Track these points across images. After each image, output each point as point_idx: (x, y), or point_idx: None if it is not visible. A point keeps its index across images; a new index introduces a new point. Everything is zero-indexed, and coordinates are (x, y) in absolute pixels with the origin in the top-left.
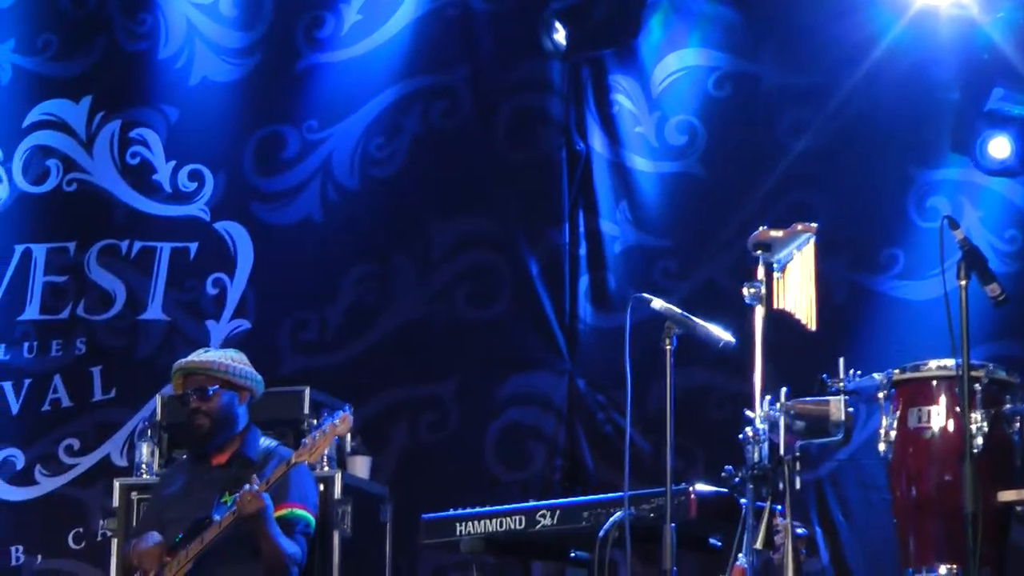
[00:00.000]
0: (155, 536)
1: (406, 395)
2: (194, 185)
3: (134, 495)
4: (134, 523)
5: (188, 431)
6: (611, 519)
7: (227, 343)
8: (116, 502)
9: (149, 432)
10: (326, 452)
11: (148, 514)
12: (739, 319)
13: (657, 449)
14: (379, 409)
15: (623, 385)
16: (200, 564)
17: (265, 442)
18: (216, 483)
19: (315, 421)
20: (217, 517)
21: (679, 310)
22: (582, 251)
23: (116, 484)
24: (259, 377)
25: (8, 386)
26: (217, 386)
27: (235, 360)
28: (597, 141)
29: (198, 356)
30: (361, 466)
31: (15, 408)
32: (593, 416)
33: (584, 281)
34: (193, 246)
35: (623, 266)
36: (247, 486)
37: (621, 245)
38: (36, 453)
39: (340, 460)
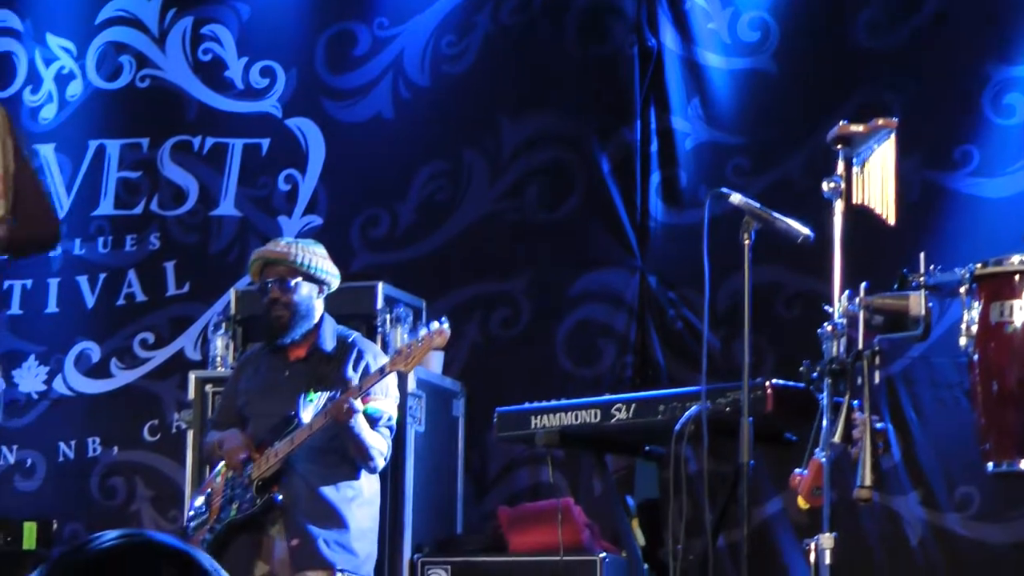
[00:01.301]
0: (239, 434)
1: (477, 292)
2: (266, 82)
3: (209, 388)
4: (208, 416)
5: (266, 322)
6: (687, 413)
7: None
8: (191, 395)
9: (224, 326)
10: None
11: (226, 407)
12: (811, 217)
13: (726, 346)
14: (451, 305)
15: (694, 282)
16: (286, 462)
17: (342, 333)
18: (297, 378)
19: (388, 316)
20: (305, 418)
21: (757, 204)
22: (653, 148)
23: (191, 377)
24: (337, 271)
25: (83, 280)
26: (298, 279)
27: (316, 253)
28: (669, 37)
29: (280, 246)
30: (434, 361)
31: (90, 302)
32: (664, 313)
33: (655, 178)
34: (265, 142)
35: (694, 163)
36: (339, 395)
37: (693, 142)
38: (111, 346)
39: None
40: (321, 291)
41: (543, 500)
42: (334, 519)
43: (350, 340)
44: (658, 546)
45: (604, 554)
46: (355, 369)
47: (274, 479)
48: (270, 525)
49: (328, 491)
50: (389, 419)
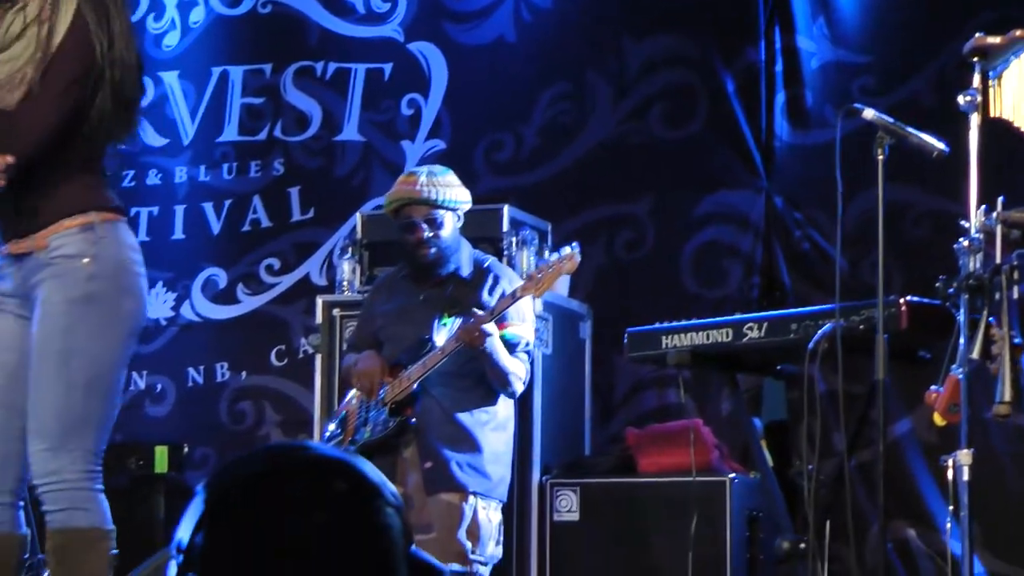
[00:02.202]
0: (375, 356)
1: (602, 214)
2: (387, 6)
3: (336, 312)
4: (336, 340)
5: (412, 259)
6: (820, 331)
7: (422, 163)
8: (319, 319)
9: (350, 250)
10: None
11: (362, 330)
12: (939, 136)
13: (854, 266)
14: (575, 228)
15: (820, 203)
16: (420, 385)
17: (477, 258)
18: (432, 302)
19: (515, 239)
20: (439, 341)
21: (891, 119)
22: (778, 68)
23: (319, 301)
24: (468, 194)
25: (209, 207)
26: (442, 214)
27: (451, 184)
28: None
29: (419, 184)
30: (560, 284)
31: (216, 228)
32: (790, 233)
33: (780, 98)
34: (387, 67)
35: (820, 83)
36: (471, 319)
37: (818, 61)
38: (237, 272)
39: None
40: (459, 219)
41: (671, 421)
42: (468, 442)
43: (486, 265)
44: (786, 467)
45: (733, 475)
46: (491, 294)
47: (408, 402)
48: (404, 448)
49: (462, 415)
50: (527, 344)
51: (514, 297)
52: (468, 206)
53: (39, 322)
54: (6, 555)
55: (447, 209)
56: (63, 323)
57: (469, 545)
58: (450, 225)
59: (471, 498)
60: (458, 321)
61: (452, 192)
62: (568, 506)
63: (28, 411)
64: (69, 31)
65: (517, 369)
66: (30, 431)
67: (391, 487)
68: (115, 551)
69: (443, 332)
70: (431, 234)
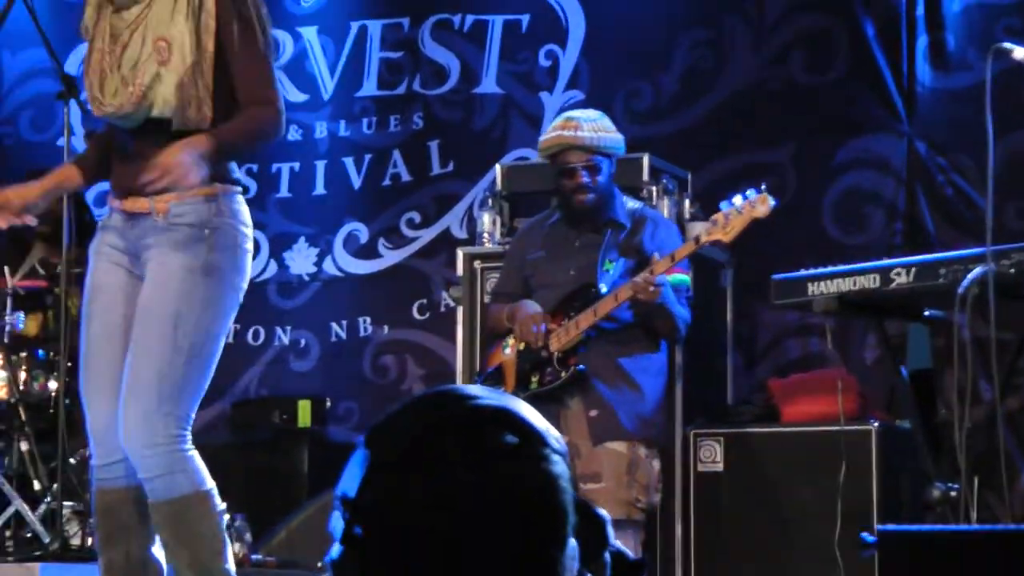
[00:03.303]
0: (534, 304)
1: (743, 161)
2: None
3: (477, 264)
4: (478, 292)
5: (569, 205)
6: (970, 275)
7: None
8: (460, 271)
9: (490, 202)
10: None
11: (510, 276)
12: None
13: (998, 211)
14: (715, 176)
15: (964, 147)
16: (589, 338)
17: (631, 203)
18: (590, 248)
19: (655, 188)
20: (605, 287)
21: None
22: (919, 11)
23: (459, 253)
24: (622, 137)
25: (349, 161)
26: (602, 160)
27: (607, 128)
28: None
29: (581, 129)
30: (700, 230)
31: (357, 183)
32: (933, 179)
33: (922, 42)
34: (525, 18)
35: (963, 25)
36: (634, 263)
37: (960, 4)
38: (379, 227)
39: (680, 226)
40: (614, 165)
41: (814, 370)
42: (633, 389)
43: (641, 210)
44: (932, 415)
45: (877, 423)
46: (654, 239)
47: (572, 351)
48: (568, 397)
49: (627, 361)
50: (688, 288)
51: (697, 242)
52: (623, 152)
53: (153, 284)
54: (136, 505)
55: (605, 155)
56: (179, 289)
57: (636, 494)
58: (607, 171)
59: (638, 447)
60: (620, 265)
61: (609, 137)
62: (712, 456)
63: (127, 369)
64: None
65: (685, 317)
66: (127, 390)
67: (555, 432)
68: (222, 506)
69: (606, 279)
70: (589, 180)
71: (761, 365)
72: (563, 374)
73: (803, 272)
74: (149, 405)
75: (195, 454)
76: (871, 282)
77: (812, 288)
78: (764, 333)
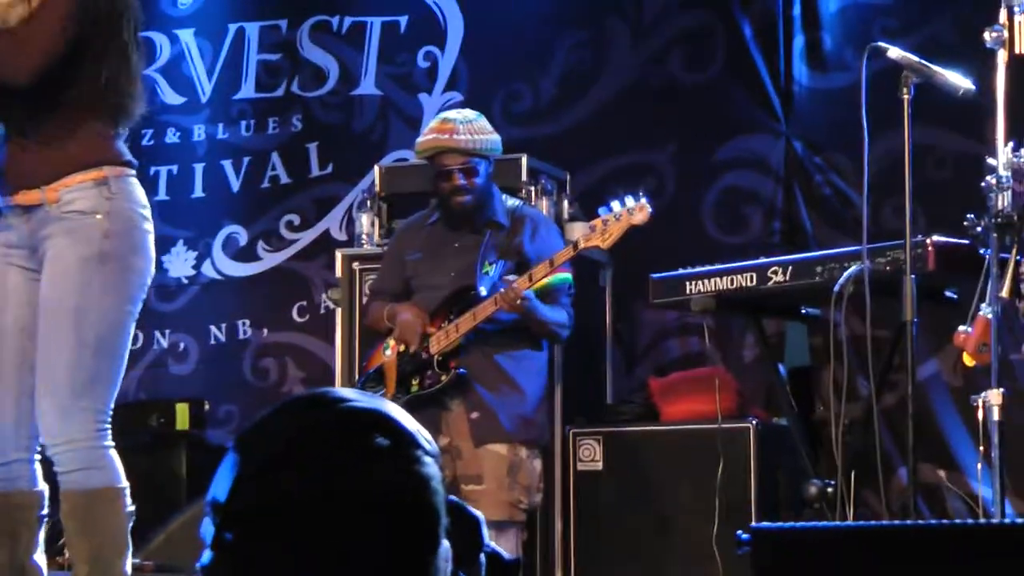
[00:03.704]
0: (414, 307)
1: (621, 162)
2: None
3: (356, 266)
4: (356, 294)
5: (447, 207)
6: (846, 273)
7: None
8: (339, 272)
9: (368, 203)
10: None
11: (389, 276)
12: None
13: (875, 209)
14: (595, 176)
15: (841, 147)
16: (469, 341)
17: (510, 202)
18: (468, 250)
19: (534, 188)
20: (485, 290)
21: (916, 57)
22: (796, 11)
23: (338, 255)
24: (499, 137)
25: (228, 164)
26: (479, 162)
27: (484, 129)
28: None
29: (456, 131)
30: (579, 232)
31: (236, 186)
32: (811, 178)
33: (799, 42)
34: (403, 19)
35: (839, 25)
36: (514, 264)
37: (837, 4)
38: (258, 229)
39: (559, 227)
40: (492, 165)
41: (693, 369)
42: (513, 390)
43: (519, 209)
44: (810, 412)
45: (755, 420)
46: (533, 241)
47: (453, 353)
48: (449, 399)
49: (507, 362)
50: (570, 287)
51: (575, 248)
52: (500, 152)
53: (50, 279)
54: (24, 511)
55: (482, 157)
56: (76, 281)
57: (518, 495)
58: (484, 172)
59: (519, 448)
60: (499, 267)
61: (487, 138)
62: (591, 455)
63: (37, 368)
64: None
65: (561, 318)
66: (40, 388)
67: (426, 434)
68: (132, 507)
69: (487, 281)
70: (466, 182)
71: (641, 364)
72: (444, 377)
73: (681, 271)
74: (64, 401)
75: (113, 451)
76: (748, 281)
77: (690, 287)
78: (644, 332)
